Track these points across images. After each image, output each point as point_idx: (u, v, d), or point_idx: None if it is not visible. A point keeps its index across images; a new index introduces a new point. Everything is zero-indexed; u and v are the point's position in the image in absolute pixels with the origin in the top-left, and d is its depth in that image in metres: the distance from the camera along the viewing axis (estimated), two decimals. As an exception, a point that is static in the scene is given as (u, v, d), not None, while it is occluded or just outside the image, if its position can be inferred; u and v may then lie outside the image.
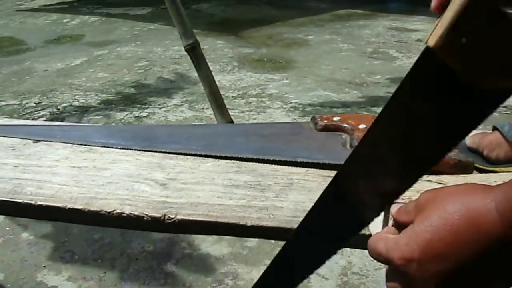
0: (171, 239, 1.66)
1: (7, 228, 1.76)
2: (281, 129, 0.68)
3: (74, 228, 1.73)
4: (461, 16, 0.30)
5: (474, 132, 0.59)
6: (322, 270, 1.46)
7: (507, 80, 0.31)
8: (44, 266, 1.57)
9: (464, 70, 0.31)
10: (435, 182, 0.50)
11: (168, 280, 1.49)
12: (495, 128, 0.60)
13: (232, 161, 0.59)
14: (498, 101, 0.33)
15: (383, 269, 1.55)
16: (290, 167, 0.58)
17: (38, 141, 0.65)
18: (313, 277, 1.42)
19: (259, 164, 0.59)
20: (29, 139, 0.65)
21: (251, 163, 0.59)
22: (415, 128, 0.35)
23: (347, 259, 1.53)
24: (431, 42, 0.31)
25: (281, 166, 0.58)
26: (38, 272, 1.54)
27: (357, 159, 0.38)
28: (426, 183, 0.48)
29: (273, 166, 0.59)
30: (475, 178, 0.52)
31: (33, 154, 0.62)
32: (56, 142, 0.64)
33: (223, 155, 0.60)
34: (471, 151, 0.60)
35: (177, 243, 1.65)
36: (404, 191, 0.36)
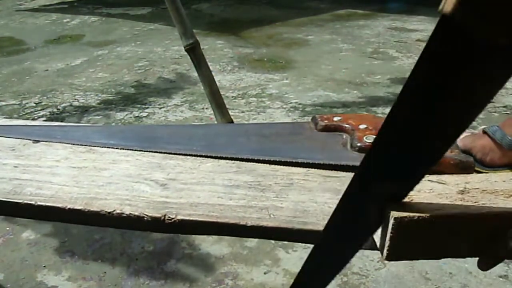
0: (171, 239, 1.66)
1: (7, 228, 1.76)
2: (282, 129, 0.68)
3: (74, 228, 1.73)
4: None
5: (464, 134, 0.59)
6: (322, 270, 1.46)
7: None
8: (44, 266, 1.57)
9: (487, 29, 0.29)
10: (436, 181, 0.49)
11: (168, 280, 1.49)
12: (485, 132, 0.59)
13: (232, 161, 0.59)
14: None
15: (383, 269, 1.55)
16: (290, 167, 0.58)
17: (37, 141, 0.64)
18: (313, 277, 1.42)
19: (259, 164, 0.59)
20: (28, 139, 0.65)
21: (251, 163, 0.59)
22: (439, 103, 0.33)
23: (347, 259, 1.53)
24: (448, 8, 0.29)
25: (281, 166, 0.58)
26: (38, 272, 1.54)
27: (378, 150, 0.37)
28: (426, 183, 0.48)
29: (273, 166, 0.58)
30: (475, 178, 0.52)
31: (33, 154, 0.61)
32: (56, 142, 0.64)
33: (224, 156, 0.60)
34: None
35: (177, 243, 1.65)
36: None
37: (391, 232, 0.40)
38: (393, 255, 0.41)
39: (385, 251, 0.41)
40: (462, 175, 0.51)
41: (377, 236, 0.44)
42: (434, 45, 0.31)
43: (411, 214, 0.40)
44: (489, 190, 0.46)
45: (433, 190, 0.45)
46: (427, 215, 0.40)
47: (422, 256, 0.43)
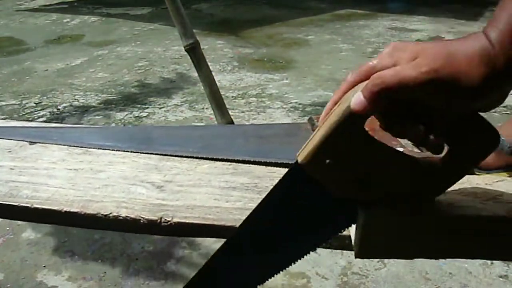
0: (171, 239, 1.66)
1: (7, 228, 1.76)
2: (279, 130, 0.68)
3: (74, 228, 1.73)
4: (327, 140, 0.35)
5: None
6: (322, 270, 1.46)
7: (366, 194, 0.37)
8: (44, 266, 1.57)
9: (327, 185, 0.37)
10: None
11: (168, 280, 1.49)
12: None
13: (229, 163, 0.59)
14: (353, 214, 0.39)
15: (383, 269, 1.55)
16: (286, 168, 0.58)
17: (34, 143, 0.64)
18: (313, 277, 1.42)
19: (256, 166, 0.59)
20: (25, 141, 0.65)
21: (247, 165, 0.59)
22: (281, 230, 0.42)
23: (347, 259, 1.53)
24: (300, 158, 0.37)
25: (278, 168, 0.58)
26: (38, 272, 1.54)
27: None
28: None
29: (269, 167, 0.58)
30: (471, 178, 0.51)
31: (29, 156, 0.61)
32: (52, 144, 0.64)
33: (220, 157, 0.60)
34: None
35: (177, 243, 1.65)
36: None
37: (361, 230, 0.40)
38: (363, 253, 0.42)
39: (355, 248, 0.42)
40: None
41: (351, 234, 0.44)
42: (284, 183, 0.40)
43: (382, 213, 0.40)
44: (467, 192, 0.45)
45: None
46: (398, 213, 0.40)
47: (394, 255, 0.43)
